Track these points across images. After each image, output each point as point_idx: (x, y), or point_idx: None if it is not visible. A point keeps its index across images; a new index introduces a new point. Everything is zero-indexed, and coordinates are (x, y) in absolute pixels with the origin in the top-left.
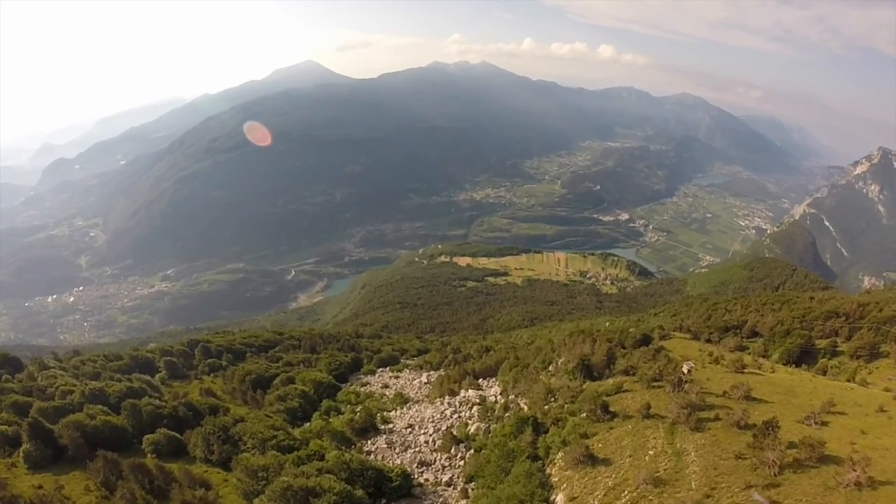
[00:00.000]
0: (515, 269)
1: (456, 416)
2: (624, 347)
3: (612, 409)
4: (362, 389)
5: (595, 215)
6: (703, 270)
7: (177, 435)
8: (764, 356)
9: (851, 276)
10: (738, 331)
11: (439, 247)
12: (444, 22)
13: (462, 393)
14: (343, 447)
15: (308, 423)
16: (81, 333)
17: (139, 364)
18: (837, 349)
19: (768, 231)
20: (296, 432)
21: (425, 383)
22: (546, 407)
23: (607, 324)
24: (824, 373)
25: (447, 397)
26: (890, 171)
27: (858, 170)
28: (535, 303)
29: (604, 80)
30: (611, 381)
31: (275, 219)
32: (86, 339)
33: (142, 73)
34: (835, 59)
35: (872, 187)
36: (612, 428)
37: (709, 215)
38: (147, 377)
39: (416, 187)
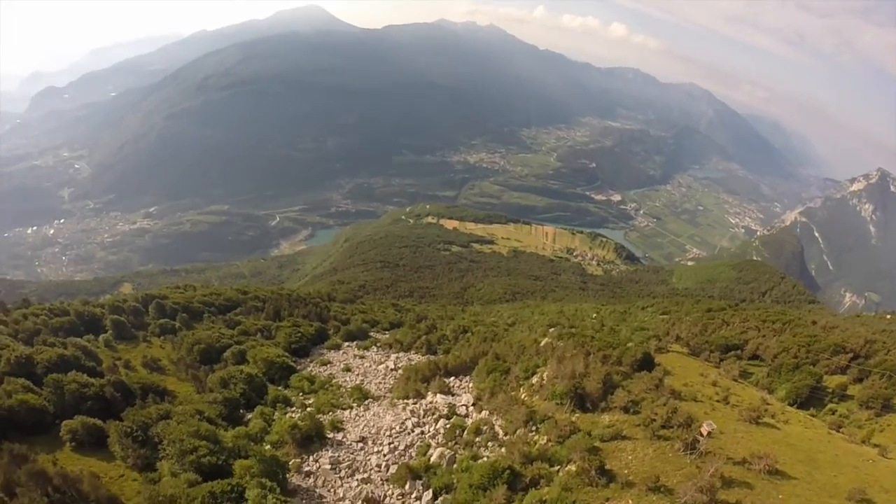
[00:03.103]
0: (502, 238)
1: (418, 430)
2: (621, 364)
3: (608, 465)
4: (320, 371)
5: (587, 192)
6: (690, 263)
7: (98, 423)
8: (768, 389)
9: (834, 290)
10: (739, 351)
11: (427, 207)
12: None
13: (429, 397)
14: (272, 479)
15: (250, 416)
16: (59, 268)
17: (85, 321)
18: (846, 393)
19: (757, 232)
20: (228, 436)
21: (391, 370)
22: (524, 446)
23: (594, 315)
24: (839, 428)
25: (411, 400)
26: (886, 194)
27: (855, 186)
28: (519, 276)
29: (612, 59)
30: (606, 417)
31: (263, 162)
32: (63, 273)
33: (140, 5)
34: (845, 73)
35: (866, 206)
36: (607, 499)
37: (700, 208)
38: (86, 341)
39: (409, 144)
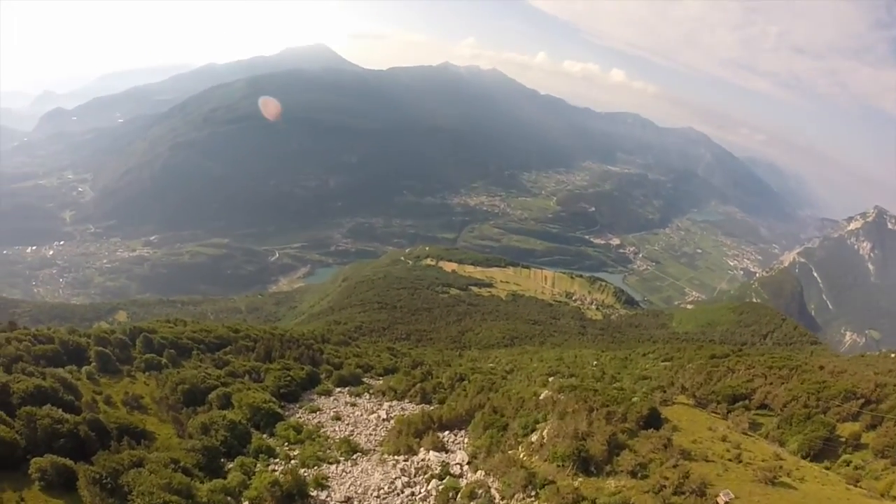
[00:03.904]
0: (501, 281)
1: (408, 490)
2: (626, 420)
3: None
4: (308, 419)
5: (586, 236)
6: (690, 307)
7: (68, 464)
8: (780, 442)
9: (834, 329)
10: (746, 401)
11: (427, 248)
12: (460, 24)
13: (421, 453)
14: None
15: (231, 465)
16: (56, 289)
17: (69, 351)
18: (860, 441)
19: (756, 274)
20: (203, 489)
21: (383, 420)
22: None
23: (594, 363)
24: (857, 482)
25: (402, 456)
26: (883, 231)
27: (852, 225)
28: (518, 320)
29: (611, 104)
30: (612, 482)
31: (265, 198)
32: (59, 295)
33: (152, 34)
34: (841, 114)
35: (864, 244)
36: None
37: (699, 251)
38: (68, 372)
39: (410, 185)
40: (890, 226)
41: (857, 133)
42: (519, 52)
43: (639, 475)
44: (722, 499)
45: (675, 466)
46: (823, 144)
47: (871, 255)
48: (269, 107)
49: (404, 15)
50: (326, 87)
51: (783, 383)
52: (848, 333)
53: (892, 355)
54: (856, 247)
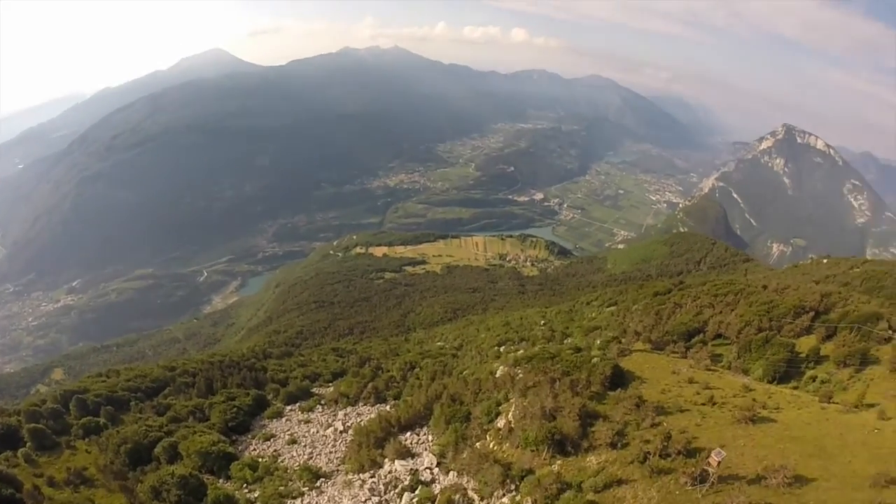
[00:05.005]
0: (434, 256)
1: None
2: (590, 385)
3: None
4: (263, 449)
5: (510, 196)
6: (621, 246)
7: None
8: (744, 371)
9: (761, 243)
10: (701, 335)
11: (354, 237)
12: (356, 5)
13: (387, 465)
14: None
15: None
16: None
17: (1, 435)
18: (820, 354)
19: (679, 204)
20: None
21: (341, 432)
22: None
23: (542, 322)
24: (829, 399)
25: (367, 473)
26: (794, 146)
27: (764, 145)
28: (457, 291)
29: (516, 63)
30: (593, 459)
31: (183, 217)
32: None
33: (38, 68)
34: (740, 43)
35: (777, 161)
36: None
37: (621, 191)
38: (3, 461)
39: (327, 176)
40: (800, 140)
41: (760, 59)
42: (418, 25)
43: (619, 445)
44: (715, 459)
45: (653, 426)
46: (727, 74)
47: (786, 169)
48: None
49: (298, 4)
50: (228, 93)
51: (732, 310)
52: (775, 245)
53: (824, 260)
54: (770, 164)
